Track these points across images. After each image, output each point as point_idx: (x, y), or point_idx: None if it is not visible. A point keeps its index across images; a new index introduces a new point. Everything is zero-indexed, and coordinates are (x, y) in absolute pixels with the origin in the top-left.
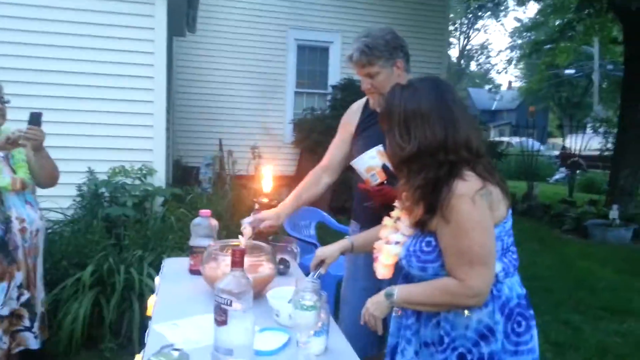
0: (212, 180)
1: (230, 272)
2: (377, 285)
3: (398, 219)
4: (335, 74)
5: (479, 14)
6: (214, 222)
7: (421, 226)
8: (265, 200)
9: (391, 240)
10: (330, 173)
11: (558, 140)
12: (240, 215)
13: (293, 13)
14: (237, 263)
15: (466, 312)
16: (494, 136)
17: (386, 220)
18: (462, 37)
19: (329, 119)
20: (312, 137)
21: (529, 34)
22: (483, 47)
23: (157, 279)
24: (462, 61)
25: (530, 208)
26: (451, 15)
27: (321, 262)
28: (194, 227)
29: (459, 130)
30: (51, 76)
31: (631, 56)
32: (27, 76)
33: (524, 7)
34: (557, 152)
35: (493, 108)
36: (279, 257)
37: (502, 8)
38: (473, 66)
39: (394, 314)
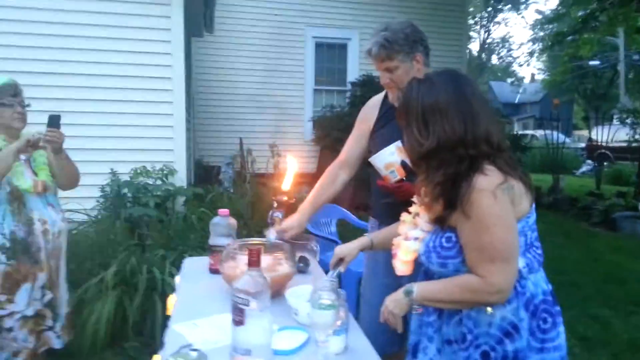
0: (233, 179)
1: (247, 271)
2: (397, 281)
3: (417, 214)
4: (354, 70)
5: (499, 7)
6: (233, 221)
7: (441, 222)
8: (284, 198)
9: (410, 236)
10: (348, 169)
11: (584, 133)
12: (260, 215)
13: (310, 10)
14: (253, 263)
15: (489, 309)
16: (517, 129)
17: (404, 216)
18: (482, 31)
19: (349, 116)
20: (332, 134)
21: (550, 26)
22: (504, 40)
23: (177, 278)
24: (482, 55)
25: (556, 201)
26: (470, 9)
27: (340, 260)
28: (213, 226)
29: (479, 124)
30: (71, 79)
31: None
32: (47, 80)
33: None
34: (583, 145)
35: (516, 101)
36: (298, 255)
37: (523, 0)
38: (494, 60)
39: (414, 312)
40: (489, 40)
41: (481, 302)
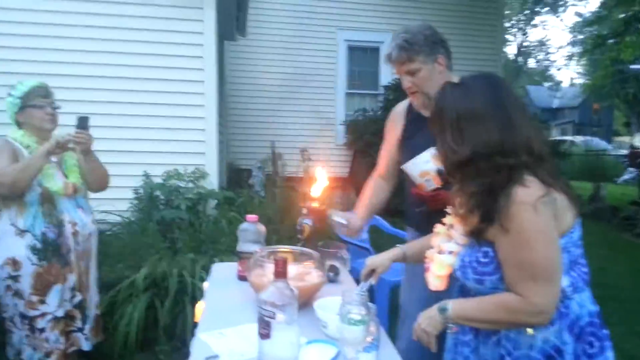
0: (264, 183)
1: (273, 282)
2: (436, 294)
3: (451, 226)
4: (387, 74)
5: (536, 9)
6: (262, 227)
7: (477, 235)
8: (314, 205)
9: (444, 250)
10: (389, 181)
11: (625, 139)
12: (290, 220)
13: (343, 14)
14: (280, 274)
15: (530, 330)
16: (555, 135)
17: (438, 228)
18: (518, 34)
19: (381, 120)
20: (364, 138)
21: (590, 29)
22: (541, 43)
23: (205, 284)
24: (519, 58)
25: (597, 211)
26: (507, 12)
27: (372, 272)
28: (241, 232)
29: (519, 131)
30: (105, 82)
31: None
32: (81, 82)
33: (585, 0)
34: (625, 151)
35: (554, 106)
36: (328, 263)
37: (562, 3)
38: (531, 63)
39: (448, 331)
40: (525, 44)
41: (521, 324)
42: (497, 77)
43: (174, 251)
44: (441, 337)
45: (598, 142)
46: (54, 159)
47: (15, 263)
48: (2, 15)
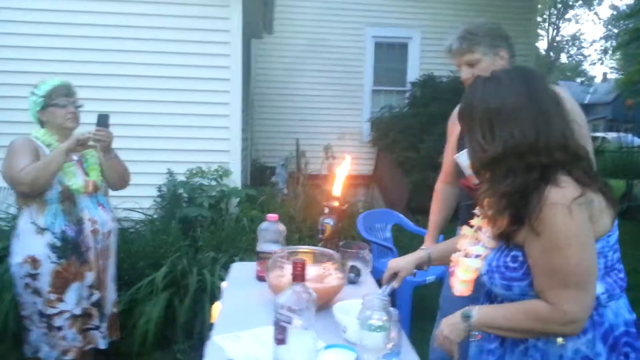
0: (286, 180)
1: (290, 285)
2: (476, 297)
3: (479, 228)
4: (415, 71)
5: (570, 3)
6: (282, 227)
7: (506, 238)
8: (335, 204)
9: (471, 253)
10: (454, 184)
11: None
12: (312, 218)
13: (370, 10)
14: (298, 277)
15: (560, 339)
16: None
17: (465, 230)
18: (551, 29)
19: (407, 117)
20: (390, 135)
21: (626, 23)
22: (574, 37)
23: (223, 284)
24: (551, 53)
25: (630, 209)
26: (539, 6)
27: (394, 275)
28: (261, 231)
29: (554, 129)
30: (129, 81)
31: None
32: (105, 81)
33: None
34: None
35: (586, 102)
36: (349, 264)
37: None
38: (563, 58)
39: (472, 339)
40: (558, 38)
41: (550, 333)
42: (532, 70)
43: (195, 249)
44: (466, 343)
45: (631, 139)
46: (74, 156)
47: (34, 261)
48: (27, 16)
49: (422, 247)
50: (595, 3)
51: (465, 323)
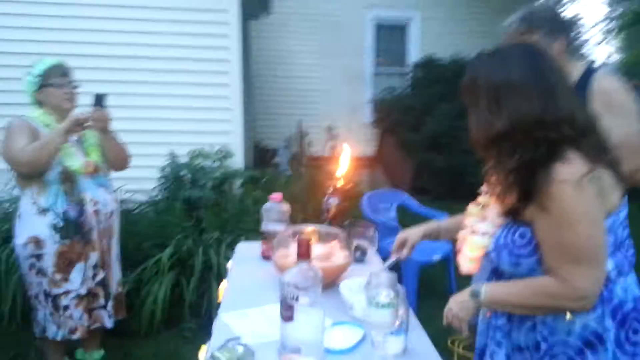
0: (289, 161)
1: (296, 263)
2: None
3: (486, 205)
4: (415, 52)
5: None
6: (286, 206)
7: (514, 215)
8: (339, 184)
9: (478, 230)
10: None
11: None
12: (316, 199)
13: None
14: (303, 255)
15: (568, 315)
16: None
17: (471, 207)
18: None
19: (409, 99)
20: (391, 117)
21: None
22: (576, 18)
23: (229, 264)
24: None
25: (636, 189)
26: None
27: (402, 246)
28: (265, 211)
29: (560, 103)
30: (131, 62)
31: None
32: (108, 63)
33: None
34: None
35: None
36: (355, 243)
37: None
38: None
39: (481, 317)
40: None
41: (560, 309)
42: (536, 46)
43: (199, 230)
44: (475, 320)
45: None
46: (74, 137)
47: (38, 241)
48: None
49: None
50: None
51: (474, 300)
